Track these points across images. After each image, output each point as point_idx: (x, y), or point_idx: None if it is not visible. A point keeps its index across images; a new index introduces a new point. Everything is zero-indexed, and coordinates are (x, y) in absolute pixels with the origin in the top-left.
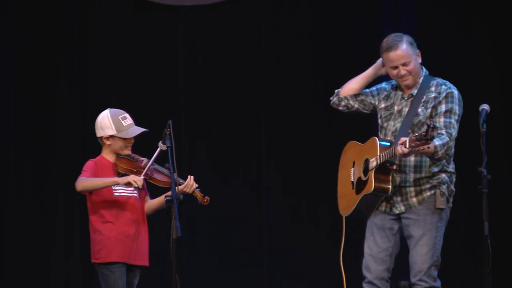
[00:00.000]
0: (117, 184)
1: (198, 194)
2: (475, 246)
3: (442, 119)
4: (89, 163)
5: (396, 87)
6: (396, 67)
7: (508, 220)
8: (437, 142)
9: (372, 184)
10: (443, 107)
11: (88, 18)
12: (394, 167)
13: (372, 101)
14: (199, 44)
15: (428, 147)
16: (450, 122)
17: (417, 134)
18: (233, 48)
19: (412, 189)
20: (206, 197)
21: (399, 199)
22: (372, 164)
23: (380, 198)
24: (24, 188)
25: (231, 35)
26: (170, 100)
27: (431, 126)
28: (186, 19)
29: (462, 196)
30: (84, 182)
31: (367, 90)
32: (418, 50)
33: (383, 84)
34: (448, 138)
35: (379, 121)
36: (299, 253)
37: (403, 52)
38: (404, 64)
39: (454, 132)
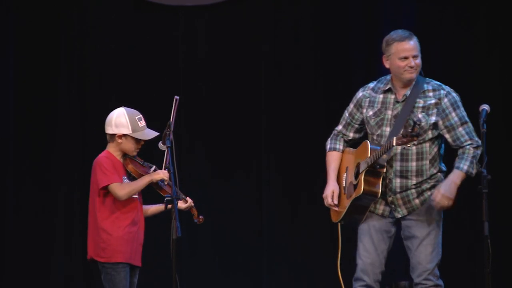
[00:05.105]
0: (152, 181)
1: (196, 212)
2: (475, 246)
3: (462, 130)
4: (106, 162)
5: (385, 91)
6: (406, 58)
7: (508, 220)
8: (464, 166)
9: (361, 187)
10: (455, 118)
11: (88, 18)
12: (384, 170)
13: (360, 121)
14: (199, 44)
15: (414, 144)
16: (470, 130)
17: (402, 131)
18: (233, 48)
19: (413, 191)
20: (201, 216)
21: (400, 202)
22: (363, 166)
23: (371, 201)
24: (24, 188)
25: (231, 35)
26: (170, 100)
27: (418, 123)
28: (186, 19)
29: (462, 196)
30: (125, 189)
31: (347, 116)
32: None
33: (359, 94)
34: (473, 151)
35: (368, 129)
36: (300, 253)
37: (416, 44)
38: (414, 57)
39: (476, 137)
